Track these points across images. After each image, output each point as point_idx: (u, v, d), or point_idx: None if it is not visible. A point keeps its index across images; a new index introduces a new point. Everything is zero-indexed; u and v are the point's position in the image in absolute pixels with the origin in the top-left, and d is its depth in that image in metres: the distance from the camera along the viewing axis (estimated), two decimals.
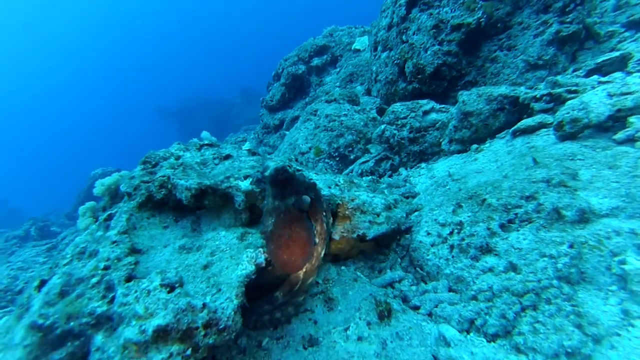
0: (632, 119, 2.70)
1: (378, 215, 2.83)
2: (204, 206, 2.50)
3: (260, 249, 2.08)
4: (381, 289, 2.62)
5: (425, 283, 2.67)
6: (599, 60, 3.92)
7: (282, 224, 1.90)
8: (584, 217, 2.22)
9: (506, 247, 2.36)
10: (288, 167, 1.95)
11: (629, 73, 3.65)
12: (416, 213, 3.31)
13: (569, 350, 1.72)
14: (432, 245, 2.80)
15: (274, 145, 9.49)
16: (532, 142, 3.30)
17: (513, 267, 2.22)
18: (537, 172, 2.71)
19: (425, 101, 4.85)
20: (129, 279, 1.84)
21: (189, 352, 1.54)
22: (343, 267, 2.80)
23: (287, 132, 8.16)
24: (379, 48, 6.50)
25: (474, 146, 4.02)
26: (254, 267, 1.97)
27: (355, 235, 2.74)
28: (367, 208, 2.82)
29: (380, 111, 6.14)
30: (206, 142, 3.24)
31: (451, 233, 2.76)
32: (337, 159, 5.47)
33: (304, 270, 2.07)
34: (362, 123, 5.73)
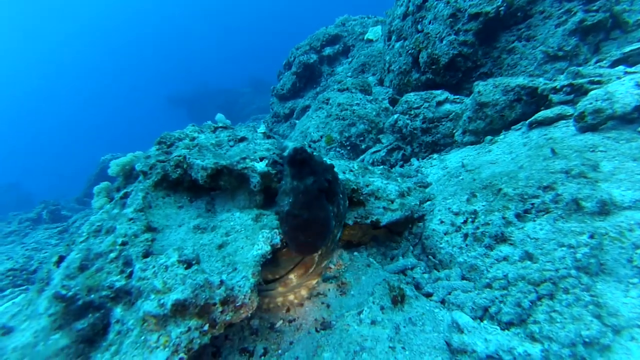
0: None
1: (392, 202, 2.81)
2: (218, 187, 2.50)
3: (276, 230, 2.08)
4: (394, 275, 2.61)
5: (438, 271, 2.65)
6: (627, 50, 3.80)
7: (300, 204, 1.88)
8: (605, 208, 2.18)
9: (522, 237, 2.33)
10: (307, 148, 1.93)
11: None
12: (429, 202, 3.28)
13: (587, 340, 1.70)
14: (446, 233, 2.78)
15: (283, 134, 9.47)
16: (550, 134, 3.24)
17: (529, 256, 2.19)
18: (555, 162, 2.66)
19: (439, 92, 4.78)
20: (146, 254, 1.86)
21: (206, 327, 1.55)
22: (356, 253, 2.80)
23: (297, 121, 8.13)
24: (393, 37, 6.40)
25: (488, 137, 3.96)
26: (269, 247, 1.97)
27: (368, 221, 2.73)
28: (381, 194, 2.81)
29: (393, 101, 6.07)
30: (220, 124, 3.24)
31: (465, 222, 2.73)
32: (349, 148, 5.44)
33: (319, 252, 2.06)
34: (374, 113, 5.68)
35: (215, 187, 2.51)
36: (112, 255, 1.90)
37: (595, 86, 3.36)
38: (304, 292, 2.31)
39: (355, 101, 5.80)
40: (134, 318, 1.62)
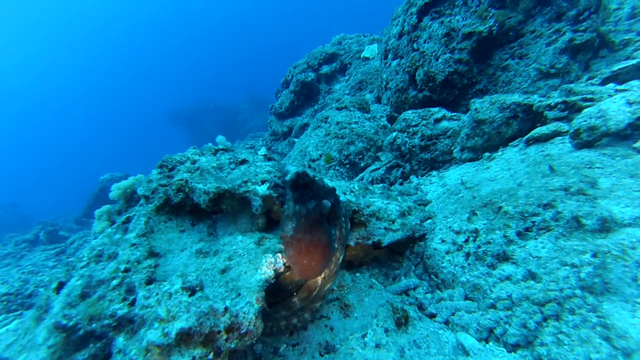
0: None
1: (393, 222, 2.82)
2: (220, 210, 2.51)
3: (279, 254, 2.08)
4: (397, 296, 2.59)
5: (441, 291, 2.64)
6: (615, 68, 3.90)
7: (303, 228, 1.89)
8: (606, 226, 2.19)
9: (524, 255, 2.34)
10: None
11: None
12: (429, 220, 3.29)
13: None
14: (447, 252, 2.77)
15: (282, 153, 9.53)
16: (547, 150, 3.28)
17: (532, 276, 2.19)
18: (554, 180, 2.69)
19: (436, 109, 4.85)
20: (149, 281, 1.85)
21: (210, 356, 1.53)
22: (358, 274, 2.79)
23: (296, 140, 8.20)
24: (390, 56, 6.54)
25: (486, 154, 4.00)
26: (273, 271, 1.96)
27: (370, 242, 2.73)
28: (382, 214, 2.82)
29: (391, 119, 6.15)
30: (221, 146, 3.27)
31: (467, 241, 2.74)
32: (348, 166, 5.47)
33: (322, 275, 2.06)
34: (372, 130, 5.74)
35: (217, 211, 2.51)
36: (115, 282, 1.89)
37: (588, 103, 3.43)
38: (307, 316, 2.29)
39: (353, 119, 5.87)
40: (137, 348, 1.59)
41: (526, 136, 3.66)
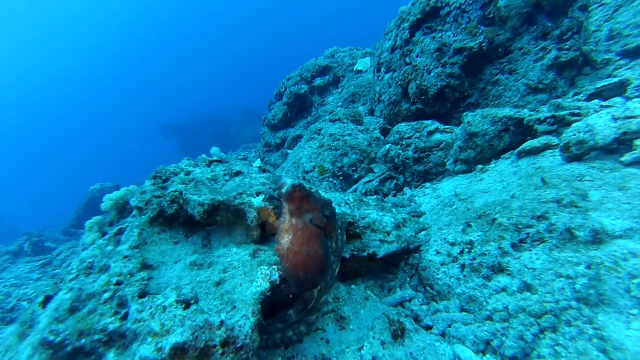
0: (638, 142, 2.75)
1: (388, 234, 2.82)
2: (215, 222, 2.48)
3: (275, 266, 2.06)
4: (393, 308, 2.58)
5: (436, 302, 2.63)
6: (599, 85, 4.04)
7: (299, 241, 1.88)
8: (597, 237, 2.23)
9: (519, 267, 2.35)
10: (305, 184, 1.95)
11: (628, 98, 3.76)
12: (424, 232, 3.30)
13: None
14: (442, 264, 2.78)
15: (275, 164, 9.52)
16: (539, 163, 3.34)
17: (528, 287, 2.20)
18: (546, 192, 2.74)
19: (429, 121, 4.93)
20: (142, 294, 1.81)
21: None
22: (353, 286, 2.77)
23: (289, 151, 8.21)
24: (382, 69, 6.65)
25: (479, 166, 4.06)
26: (268, 284, 1.94)
27: (365, 254, 2.72)
28: (377, 226, 2.82)
29: (384, 131, 6.22)
30: (215, 158, 3.25)
31: (461, 252, 2.75)
32: (341, 178, 5.49)
33: (318, 288, 2.04)
34: (365, 142, 5.79)
35: (211, 222, 2.48)
36: (106, 295, 1.84)
37: (576, 118, 3.53)
38: (303, 328, 2.25)
39: (347, 131, 5.92)
40: None
41: (518, 149, 3.73)
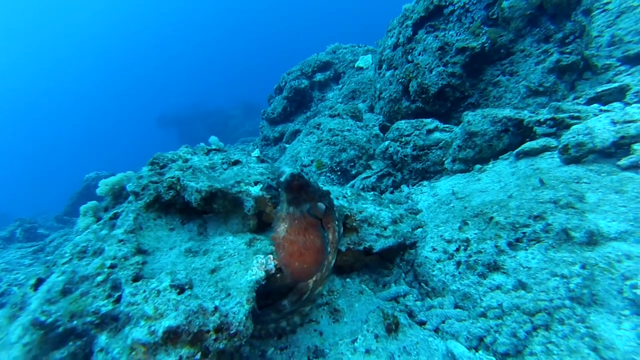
0: (636, 146, 2.77)
1: (385, 229, 2.81)
2: (211, 210, 2.47)
3: (270, 256, 2.05)
4: (387, 302, 2.58)
5: (431, 299, 2.64)
6: (599, 90, 4.05)
7: (296, 230, 1.87)
8: (593, 239, 2.23)
9: (515, 265, 2.36)
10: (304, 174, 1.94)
11: (627, 104, 3.78)
12: (420, 229, 3.30)
13: None
14: (438, 261, 2.78)
15: (273, 158, 9.49)
16: (537, 164, 3.35)
17: (522, 286, 2.21)
18: (544, 192, 2.74)
19: (429, 120, 4.92)
20: (136, 278, 1.79)
21: (198, 356, 1.48)
22: (348, 279, 2.77)
23: (287, 145, 8.18)
24: (384, 66, 6.63)
25: (477, 166, 4.06)
26: (264, 273, 1.93)
27: (361, 248, 2.71)
28: (374, 221, 2.81)
29: (383, 128, 6.21)
30: (214, 147, 3.23)
31: (457, 249, 2.75)
32: (339, 173, 5.48)
33: (314, 279, 2.03)
34: (364, 139, 5.78)
35: (208, 210, 2.47)
36: (100, 278, 1.82)
37: (575, 121, 3.54)
38: (297, 319, 2.25)
39: (346, 127, 5.91)
40: (121, 346, 1.53)
41: (516, 150, 3.73)
